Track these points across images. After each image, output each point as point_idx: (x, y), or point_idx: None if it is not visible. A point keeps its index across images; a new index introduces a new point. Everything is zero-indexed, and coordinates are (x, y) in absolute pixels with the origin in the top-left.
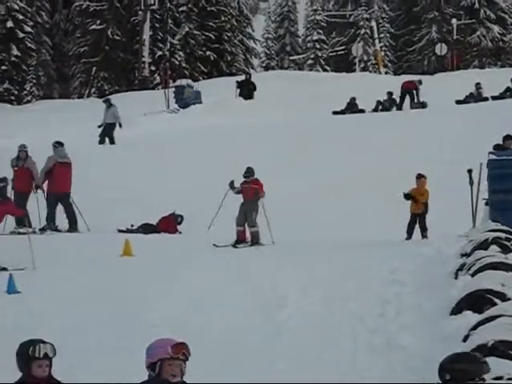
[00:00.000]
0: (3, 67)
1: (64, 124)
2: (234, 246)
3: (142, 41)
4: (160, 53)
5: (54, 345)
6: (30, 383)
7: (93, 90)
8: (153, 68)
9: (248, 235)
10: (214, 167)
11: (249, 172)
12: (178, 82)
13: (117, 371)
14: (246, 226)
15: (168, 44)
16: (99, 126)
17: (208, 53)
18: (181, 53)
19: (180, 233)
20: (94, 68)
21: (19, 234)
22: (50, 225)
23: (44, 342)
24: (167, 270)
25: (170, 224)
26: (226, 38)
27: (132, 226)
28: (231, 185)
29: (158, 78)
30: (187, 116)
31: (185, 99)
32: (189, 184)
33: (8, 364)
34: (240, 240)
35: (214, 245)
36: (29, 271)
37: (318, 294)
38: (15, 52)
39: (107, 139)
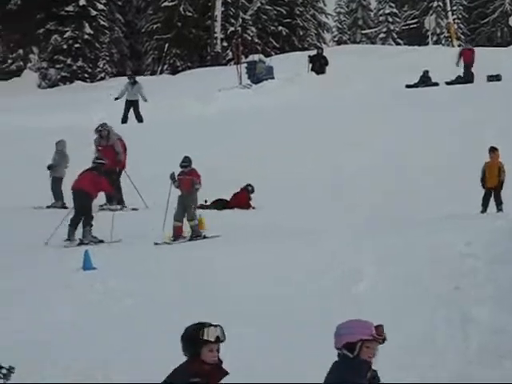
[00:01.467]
0: (76, 45)
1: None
2: (169, 243)
3: (214, 17)
4: (232, 28)
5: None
6: (199, 368)
7: (165, 66)
8: (225, 44)
9: (186, 230)
10: (285, 142)
11: (185, 162)
12: (250, 58)
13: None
14: (185, 220)
15: (240, 19)
16: (116, 99)
17: (280, 28)
18: (253, 28)
19: (253, 208)
20: (167, 45)
21: (110, 210)
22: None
23: (215, 325)
24: (240, 246)
25: (242, 199)
26: (297, 12)
27: (205, 201)
28: (172, 177)
29: (230, 53)
30: (259, 91)
31: (257, 75)
32: (259, 160)
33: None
34: (177, 235)
35: (155, 243)
36: (104, 247)
37: (393, 269)
38: (88, 30)
39: (134, 118)
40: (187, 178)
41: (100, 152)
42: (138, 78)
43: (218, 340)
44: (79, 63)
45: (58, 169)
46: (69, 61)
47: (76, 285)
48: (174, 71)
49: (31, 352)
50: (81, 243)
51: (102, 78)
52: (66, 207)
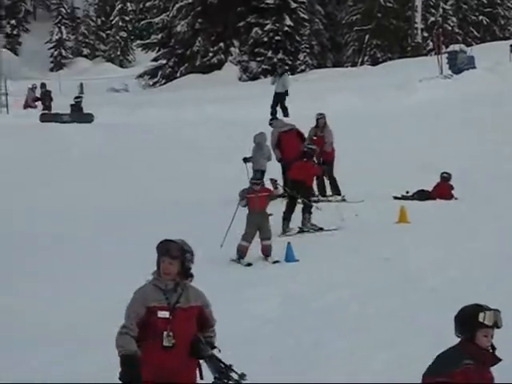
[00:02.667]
0: (277, 38)
1: (337, 92)
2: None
3: (414, 7)
4: (432, 19)
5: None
6: (475, 351)
7: (366, 57)
8: (425, 34)
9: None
10: (491, 131)
11: (257, 177)
12: (451, 48)
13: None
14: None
15: (440, 9)
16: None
17: (480, 17)
18: (453, 18)
19: (456, 199)
20: (367, 36)
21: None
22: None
23: (494, 310)
24: (443, 238)
25: (445, 190)
26: (498, 1)
27: (407, 192)
28: (241, 195)
29: (430, 44)
30: (460, 82)
31: (458, 65)
32: (461, 150)
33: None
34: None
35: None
36: (305, 239)
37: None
38: (288, 22)
39: (280, 110)
40: (260, 196)
41: (314, 141)
42: (336, 70)
43: (495, 325)
44: (280, 56)
45: (257, 161)
46: (269, 53)
47: (279, 277)
48: (375, 62)
49: (238, 346)
50: (301, 231)
51: (303, 71)
52: None
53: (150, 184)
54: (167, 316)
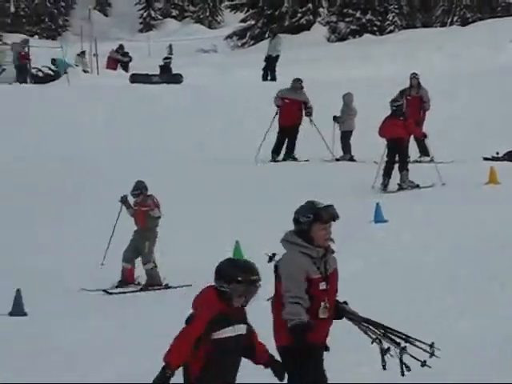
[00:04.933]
0: None
1: (431, 53)
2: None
3: None
4: None
5: None
6: None
7: (455, 18)
8: None
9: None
10: None
11: (138, 188)
12: None
13: None
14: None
15: None
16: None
17: None
18: None
19: None
20: None
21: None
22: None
23: None
24: None
25: None
26: None
27: (497, 153)
28: (123, 200)
29: None
30: None
31: None
32: None
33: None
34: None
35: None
36: (393, 199)
37: None
38: None
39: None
40: (140, 210)
41: (408, 102)
42: (425, 31)
43: None
44: (368, 16)
45: (345, 122)
46: (358, 14)
47: (367, 238)
48: (464, 23)
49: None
50: (400, 188)
51: (391, 31)
52: (354, 160)
53: (241, 142)
54: (325, 287)
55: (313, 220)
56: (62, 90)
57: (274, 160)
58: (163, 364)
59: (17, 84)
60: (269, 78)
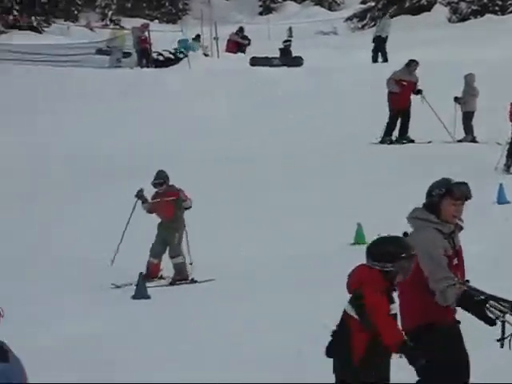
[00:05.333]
0: None
1: None
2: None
3: None
4: None
5: None
6: None
7: None
8: None
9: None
10: None
11: (161, 178)
12: None
13: None
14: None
15: None
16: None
17: None
18: None
19: None
20: None
21: None
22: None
23: None
24: None
25: None
26: None
27: None
28: (140, 195)
29: None
30: None
31: None
32: None
33: None
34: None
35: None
36: None
37: None
38: None
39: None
40: (165, 201)
41: None
42: None
43: None
44: None
45: (467, 102)
46: None
47: (490, 218)
48: None
49: None
50: None
51: None
52: (476, 141)
53: (357, 126)
54: (457, 262)
55: (444, 194)
56: (183, 73)
57: (389, 142)
58: (399, 348)
59: (137, 68)
60: (380, 59)
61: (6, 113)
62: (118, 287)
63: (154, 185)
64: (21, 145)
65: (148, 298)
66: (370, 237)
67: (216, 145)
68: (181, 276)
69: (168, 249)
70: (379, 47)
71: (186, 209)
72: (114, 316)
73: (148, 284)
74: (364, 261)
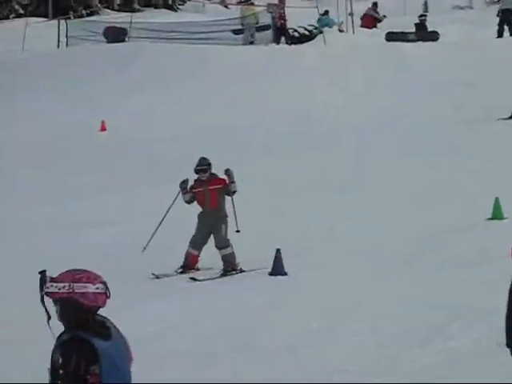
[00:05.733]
0: None
1: None
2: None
3: None
4: None
5: None
6: None
7: None
8: None
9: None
10: None
11: (205, 164)
12: None
13: None
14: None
15: None
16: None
17: None
18: None
19: None
20: None
21: None
22: None
23: None
24: None
25: None
26: None
27: None
28: (183, 185)
29: None
30: None
31: None
32: None
33: None
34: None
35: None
36: None
37: None
38: None
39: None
40: (211, 189)
41: None
42: None
43: None
44: None
45: None
46: None
47: None
48: None
49: None
50: None
51: None
52: None
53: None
54: None
55: None
56: (318, 50)
57: None
58: None
59: (272, 45)
60: (507, 33)
61: (140, 90)
62: (157, 277)
63: (198, 171)
64: (155, 119)
65: (285, 274)
66: (508, 212)
67: (352, 119)
68: (232, 266)
69: (214, 240)
70: (506, 20)
71: (233, 193)
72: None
73: (190, 275)
74: (501, 236)
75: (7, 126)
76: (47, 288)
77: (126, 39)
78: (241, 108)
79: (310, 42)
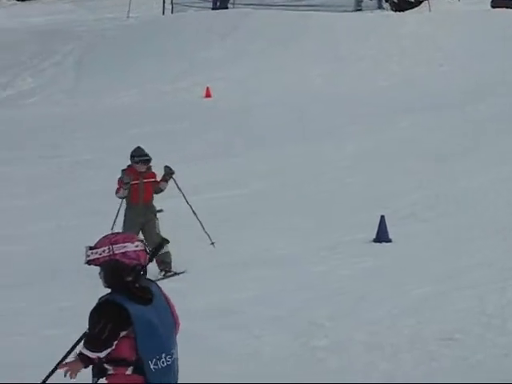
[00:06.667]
0: None
1: None
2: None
3: None
4: None
5: None
6: None
7: None
8: None
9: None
10: None
11: (146, 154)
12: None
13: None
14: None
15: None
16: None
17: None
18: None
19: None
20: None
21: None
22: None
23: None
24: None
25: None
26: None
27: None
28: (120, 178)
29: None
30: None
31: None
32: None
33: None
34: None
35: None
36: None
37: None
38: None
39: None
40: (147, 182)
41: None
42: None
43: None
44: None
45: None
46: None
47: None
48: None
49: None
50: None
51: None
52: None
53: None
54: None
55: None
56: (423, 16)
57: None
58: None
59: (377, 11)
60: None
61: (244, 56)
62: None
63: (139, 161)
64: (259, 85)
65: (390, 241)
66: None
67: (457, 85)
68: (168, 267)
69: (146, 238)
70: None
71: (161, 191)
72: None
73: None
74: None
75: (113, 93)
76: (88, 256)
77: (231, 6)
78: (344, 75)
79: (415, 9)
